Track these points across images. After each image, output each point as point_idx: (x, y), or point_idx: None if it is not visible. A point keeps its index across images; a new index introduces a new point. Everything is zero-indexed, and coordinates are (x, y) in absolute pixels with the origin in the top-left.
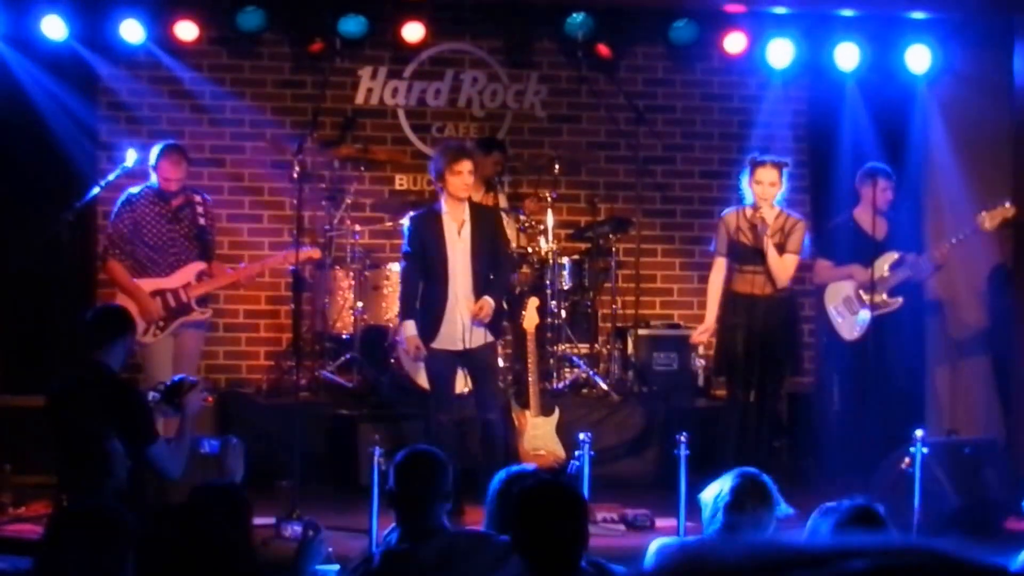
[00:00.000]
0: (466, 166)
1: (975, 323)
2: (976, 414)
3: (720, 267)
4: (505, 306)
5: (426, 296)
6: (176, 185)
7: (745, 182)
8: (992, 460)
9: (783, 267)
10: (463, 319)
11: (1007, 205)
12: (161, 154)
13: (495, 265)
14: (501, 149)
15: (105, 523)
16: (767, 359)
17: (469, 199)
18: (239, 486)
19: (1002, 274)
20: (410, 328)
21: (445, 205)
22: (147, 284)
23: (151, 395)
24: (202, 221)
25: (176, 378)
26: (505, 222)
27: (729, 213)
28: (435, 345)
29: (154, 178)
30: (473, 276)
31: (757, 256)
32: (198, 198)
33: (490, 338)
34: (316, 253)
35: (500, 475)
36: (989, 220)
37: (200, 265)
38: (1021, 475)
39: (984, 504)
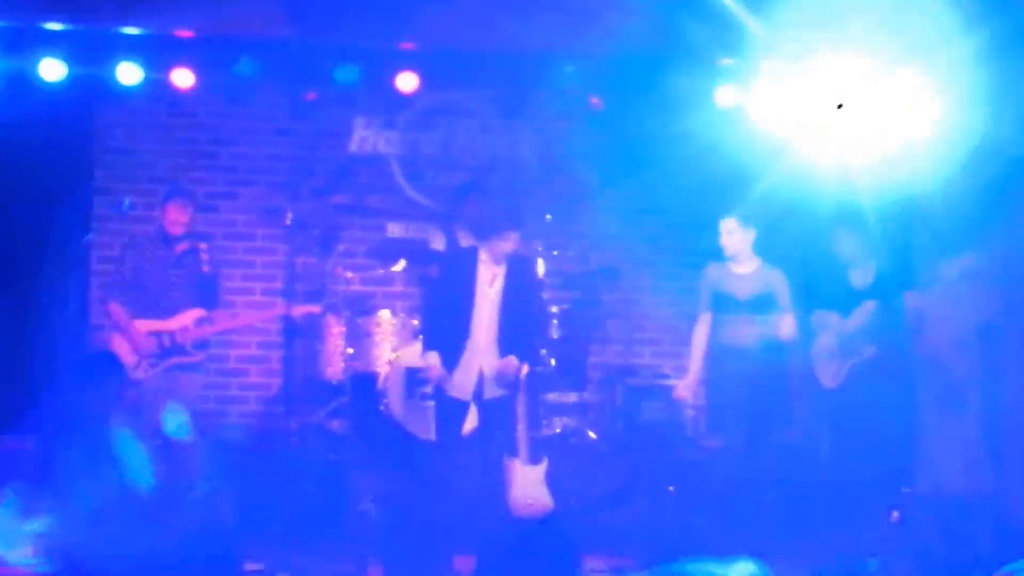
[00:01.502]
0: (515, 236)
1: (965, 376)
2: (966, 468)
3: (704, 322)
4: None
5: (445, 339)
6: (181, 229)
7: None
8: (982, 514)
9: (788, 329)
10: (483, 369)
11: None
12: (167, 198)
13: (526, 319)
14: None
15: None
16: (756, 410)
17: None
18: None
19: (990, 327)
20: (434, 358)
21: (483, 254)
22: (144, 325)
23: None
24: (205, 269)
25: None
26: None
27: (710, 266)
28: (446, 391)
29: (159, 222)
30: (499, 329)
31: (740, 305)
32: (203, 245)
33: (506, 390)
34: (317, 309)
35: None
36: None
37: (199, 312)
38: (1011, 529)
39: (973, 559)
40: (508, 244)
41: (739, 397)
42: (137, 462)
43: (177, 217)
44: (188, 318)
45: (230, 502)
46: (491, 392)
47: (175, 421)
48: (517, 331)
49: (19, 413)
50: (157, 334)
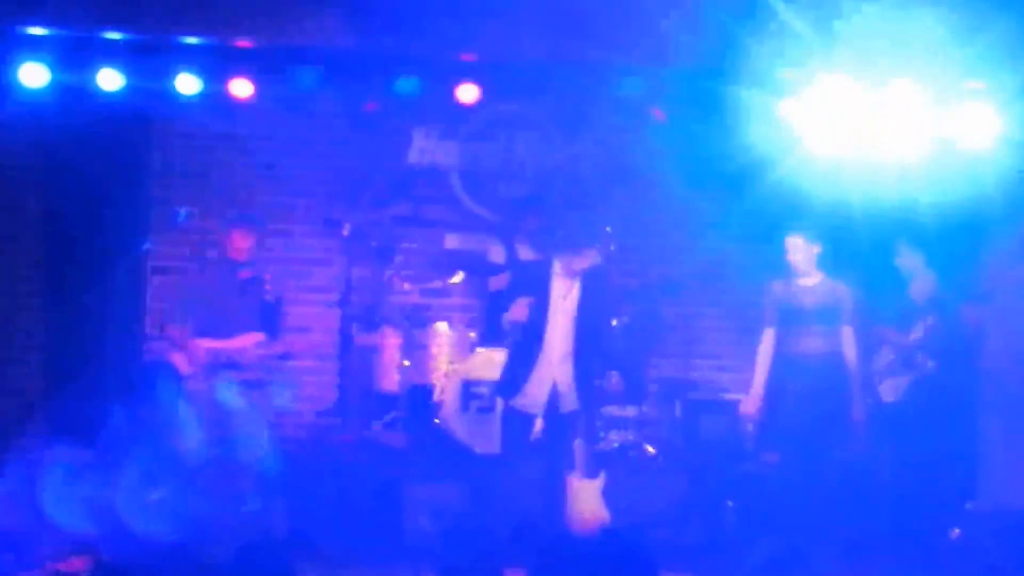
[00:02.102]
0: (592, 253)
1: None
2: None
3: (769, 337)
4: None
5: (516, 350)
6: (245, 256)
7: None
8: None
9: (848, 341)
10: (556, 382)
11: None
12: (231, 224)
13: (602, 332)
14: (537, 207)
15: None
16: (816, 423)
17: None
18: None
19: None
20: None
21: (557, 267)
22: (203, 342)
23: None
24: (268, 298)
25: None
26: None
27: (775, 283)
28: (514, 403)
29: (222, 247)
30: (574, 342)
31: (807, 315)
32: (268, 276)
33: (578, 404)
34: (378, 340)
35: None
36: None
37: (259, 336)
38: None
39: None
40: (585, 261)
41: (800, 409)
42: (186, 470)
43: (241, 244)
44: (248, 340)
45: (284, 515)
46: (567, 406)
47: (225, 431)
48: (594, 345)
49: (75, 423)
50: (214, 351)
